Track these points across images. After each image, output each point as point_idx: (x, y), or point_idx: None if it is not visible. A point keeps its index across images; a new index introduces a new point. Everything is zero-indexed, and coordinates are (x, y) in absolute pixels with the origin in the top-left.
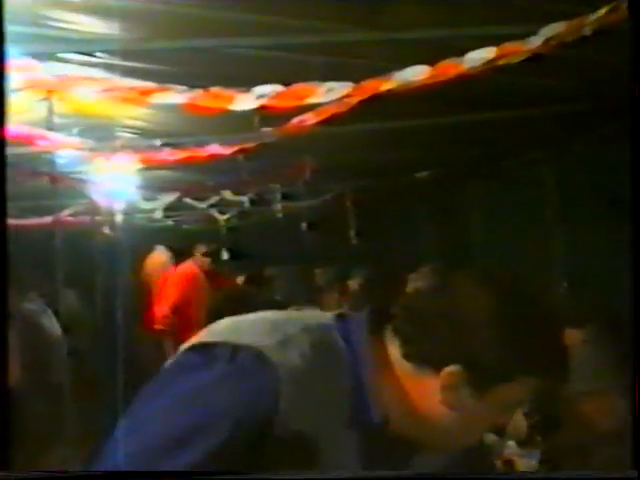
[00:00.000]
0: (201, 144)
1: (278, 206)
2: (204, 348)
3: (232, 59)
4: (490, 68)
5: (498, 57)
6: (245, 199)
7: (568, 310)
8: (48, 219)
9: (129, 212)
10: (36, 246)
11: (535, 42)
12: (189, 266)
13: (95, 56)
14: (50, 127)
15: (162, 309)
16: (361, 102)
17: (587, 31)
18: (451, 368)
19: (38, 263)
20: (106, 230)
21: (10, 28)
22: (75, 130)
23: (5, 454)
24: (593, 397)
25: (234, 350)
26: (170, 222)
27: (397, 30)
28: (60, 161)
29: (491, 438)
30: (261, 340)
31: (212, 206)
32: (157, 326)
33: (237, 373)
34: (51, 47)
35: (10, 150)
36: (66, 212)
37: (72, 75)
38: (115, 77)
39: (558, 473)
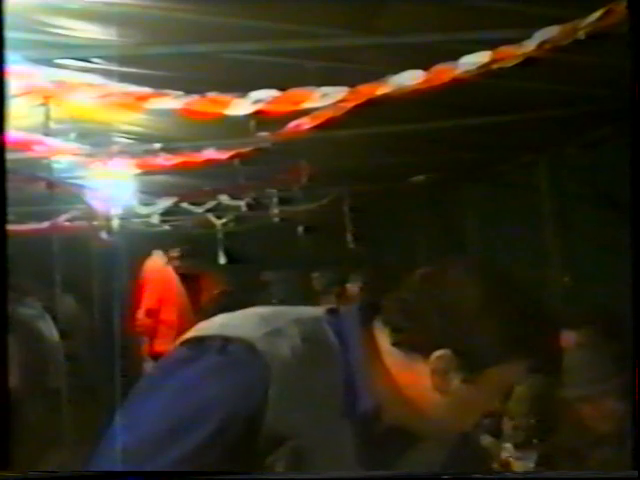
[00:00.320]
0: (197, 149)
1: (275, 210)
2: (196, 342)
3: (228, 64)
4: (485, 72)
5: (492, 61)
6: (242, 204)
7: (563, 312)
8: (45, 224)
9: (126, 217)
10: (33, 251)
11: (529, 46)
12: (162, 269)
13: (92, 62)
14: (47, 133)
15: (138, 313)
16: (356, 107)
17: (581, 35)
18: (440, 352)
19: (35, 268)
20: (103, 235)
21: (7, 34)
22: (72, 136)
23: (5, 454)
24: (589, 401)
25: (224, 342)
26: (167, 227)
27: (392, 35)
28: (57, 166)
29: (488, 440)
30: (251, 332)
31: (209, 211)
32: (135, 329)
33: (227, 364)
34: (48, 53)
35: (7, 156)
36: (63, 217)
37: (69, 81)
38: (112, 83)
39: (558, 473)
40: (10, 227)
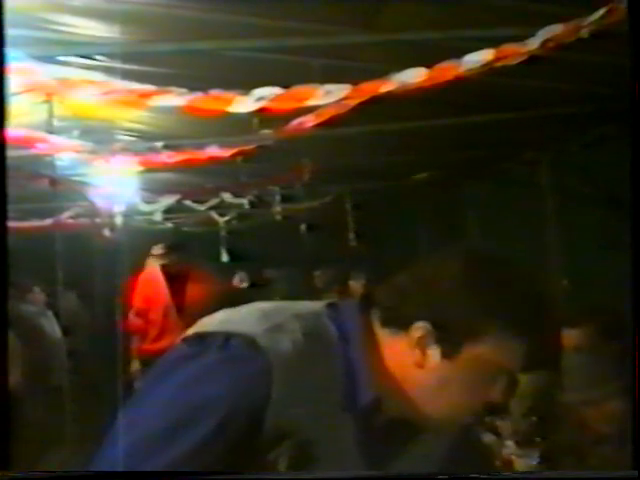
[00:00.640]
0: (200, 146)
1: (277, 208)
2: (197, 338)
3: (231, 61)
4: (488, 70)
5: (496, 59)
6: (244, 201)
7: (564, 312)
8: (48, 221)
9: (129, 214)
10: (36, 248)
11: (533, 44)
12: (149, 269)
13: (95, 59)
14: (50, 130)
15: (130, 313)
16: (360, 104)
17: (584, 33)
18: (418, 324)
19: (38, 265)
20: (106, 232)
21: (10, 31)
22: (75, 133)
23: (5, 454)
24: (591, 404)
25: (226, 338)
26: (170, 224)
27: (395, 32)
28: (60, 164)
29: (490, 438)
30: (252, 328)
31: (212, 208)
32: (126, 329)
33: (229, 359)
34: (51, 50)
35: (10, 153)
36: (66, 214)
37: (72, 78)
38: (115, 80)
39: (558, 473)
40: (13, 224)
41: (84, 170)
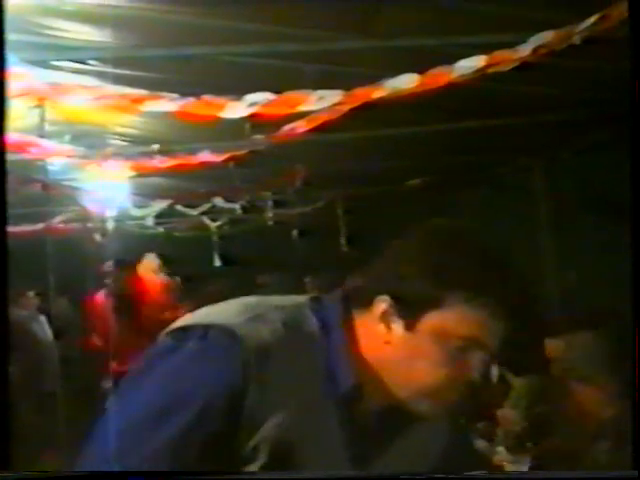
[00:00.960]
0: (192, 151)
1: (269, 213)
2: (180, 331)
3: (223, 67)
4: (480, 76)
5: (488, 65)
6: (237, 206)
7: (560, 315)
8: (40, 226)
9: (120, 219)
10: (27, 253)
11: (524, 51)
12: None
13: (87, 64)
14: (42, 134)
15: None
16: (352, 110)
17: (577, 40)
18: (379, 297)
19: (30, 269)
20: (97, 237)
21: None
22: (67, 137)
23: (5, 454)
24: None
25: (205, 329)
26: (161, 229)
27: (388, 38)
28: (52, 168)
29: (481, 444)
30: (232, 319)
31: (204, 213)
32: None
33: (208, 349)
34: (43, 55)
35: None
36: (58, 219)
37: (64, 83)
38: (107, 85)
39: (557, 473)
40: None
41: (76, 175)
